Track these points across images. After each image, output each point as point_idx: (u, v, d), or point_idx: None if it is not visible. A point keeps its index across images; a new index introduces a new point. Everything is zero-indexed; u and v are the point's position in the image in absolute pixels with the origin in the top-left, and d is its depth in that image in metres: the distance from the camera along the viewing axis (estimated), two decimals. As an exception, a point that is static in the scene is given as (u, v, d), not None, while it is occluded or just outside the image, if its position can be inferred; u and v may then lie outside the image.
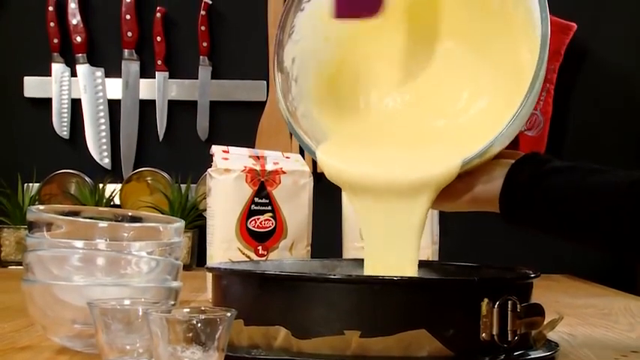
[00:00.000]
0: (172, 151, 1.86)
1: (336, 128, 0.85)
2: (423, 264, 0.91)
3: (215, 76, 1.86)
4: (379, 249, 0.79)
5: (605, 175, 0.69)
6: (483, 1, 0.83)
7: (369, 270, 0.80)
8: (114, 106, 1.85)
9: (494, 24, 0.82)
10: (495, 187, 0.74)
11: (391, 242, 0.78)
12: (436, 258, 1.24)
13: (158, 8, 1.84)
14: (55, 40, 1.84)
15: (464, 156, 0.74)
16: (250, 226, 1.12)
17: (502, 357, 0.69)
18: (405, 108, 0.85)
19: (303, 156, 1.73)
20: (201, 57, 1.85)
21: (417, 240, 0.78)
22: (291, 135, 1.82)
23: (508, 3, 0.80)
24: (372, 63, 0.87)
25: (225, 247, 1.11)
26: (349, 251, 1.26)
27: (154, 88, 1.85)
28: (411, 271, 0.78)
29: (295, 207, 1.15)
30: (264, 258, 1.12)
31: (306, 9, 0.85)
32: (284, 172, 1.14)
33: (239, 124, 1.85)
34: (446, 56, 0.86)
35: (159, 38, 1.84)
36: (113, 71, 1.85)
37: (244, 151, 1.17)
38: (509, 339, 0.69)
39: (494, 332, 0.68)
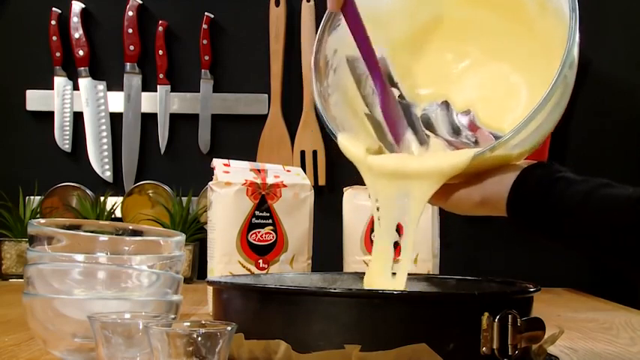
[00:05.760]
0: (174, 165, 1.86)
1: (364, 128, 0.87)
2: (423, 278, 0.92)
3: (217, 89, 1.86)
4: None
5: (617, 189, 0.69)
6: (525, 22, 0.83)
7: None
8: (116, 119, 1.86)
9: (533, 43, 0.83)
10: (505, 187, 0.73)
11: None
12: (437, 271, 1.24)
13: (160, 22, 1.85)
14: (58, 54, 1.84)
15: (477, 150, 0.74)
16: (251, 240, 1.12)
17: (502, 371, 0.69)
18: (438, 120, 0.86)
19: (304, 169, 1.73)
20: (202, 70, 1.85)
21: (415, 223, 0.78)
22: (292, 148, 1.82)
23: (549, 22, 0.80)
24: (411, 73, 0.88)
25: (225, 261, 1.11)
26: (350, 265, 1.26)
27: (156, 101, 1.85)
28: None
29: (296, 220, 1.15)
30: (264, 271, 1.12)
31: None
32: (285, 186, 1.14)
33: (240, 137, 1.86)
34: (483, 72, 0.87)
35: (161, 52, 1.84)
36: (115, 85, 1.86)
37: (245, 165, 1.17)
38: (510, 353, 0.69)
39: (495, 346, 0.68)
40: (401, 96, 0.88)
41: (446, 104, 0.87)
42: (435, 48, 0.89)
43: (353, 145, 0.82)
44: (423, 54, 0.88)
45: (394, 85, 0.88)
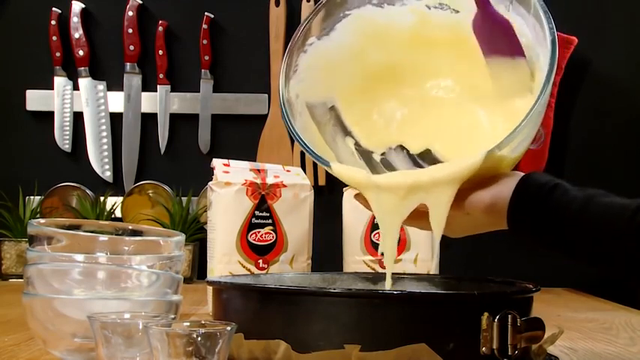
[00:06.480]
0: (174, 165, 1.86)
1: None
2: (423, 278, 0.92)
3: (217, 89, 1.86)
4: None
5: (614, 198, 0.69)
6: (475, 57, 0.83)
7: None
8: (116, 119, 1.86)
9: (486, 75, 0.83)
10: (510, 189, 0.73)
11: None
12: (437, 271, 1.24)
13: (160, 22, 1.85)
14: (58, 54, 1.84)
15: (487, 149, 0.73)
16: (251, 240, 1.12)
17: (502, 371, 0.69)
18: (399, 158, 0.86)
19: (304, 169, 1.73)
20: (202, 70, 1.85)
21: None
22: (292, 148, 1.82)
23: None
24: (363, 120, 0.88)
25: (225, 261, 1.11)
26: (349, 265, 1.26)
27: (156, 101, 1.86)
28: None
29: (296, 220, 1.15)
30: (264, 271, 1.12)
31: (308, 52, 0.86)
32: (285, 186, 1.14)
33: (240, 137, 1.86)
34: (437, 111, 0.87)
35: (161, 52, 1.84)
36: (115, 85, 1.86)
37: (245, 165, 1.17)
38: (510, 353, 0.69)
39: (495, 346, 0.68)
40: (357, 143, 0.88)
41: (402, 147, 0.87)
42: (385, 94, 0.88)
43: (352, 170, 0.80)
44: (374, 101, 0.87)
45: (348, 133, 0.88)
